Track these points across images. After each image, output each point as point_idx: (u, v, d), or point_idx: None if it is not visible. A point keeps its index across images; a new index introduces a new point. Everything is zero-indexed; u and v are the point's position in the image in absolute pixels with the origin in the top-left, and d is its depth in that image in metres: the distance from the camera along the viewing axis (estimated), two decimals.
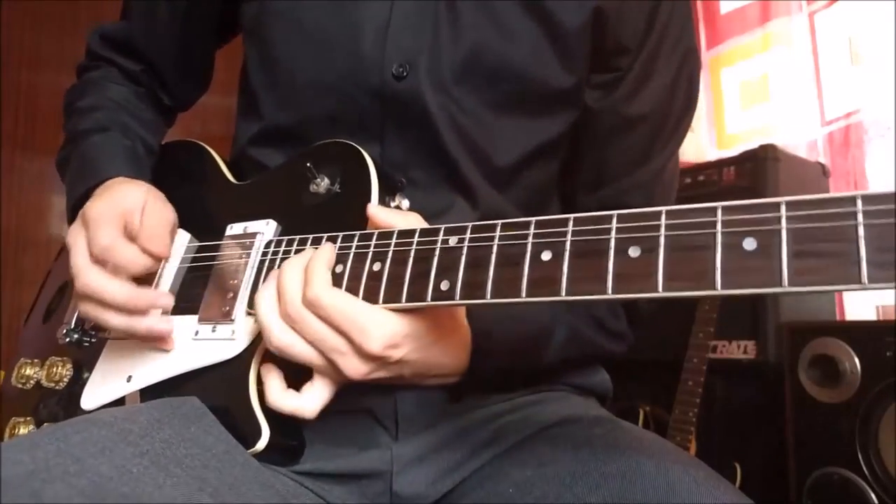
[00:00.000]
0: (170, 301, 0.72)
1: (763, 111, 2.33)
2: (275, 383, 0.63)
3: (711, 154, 2.43)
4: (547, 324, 0.73)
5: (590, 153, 0.82)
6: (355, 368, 0.59)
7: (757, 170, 1.89)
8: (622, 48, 0.77)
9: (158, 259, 0.72)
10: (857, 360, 1.55)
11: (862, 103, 2.04)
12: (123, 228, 0.70)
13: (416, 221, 0.64)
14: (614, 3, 0.75)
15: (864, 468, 1.51)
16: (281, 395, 0.62)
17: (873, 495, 1.48)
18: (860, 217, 0.41)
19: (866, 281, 0.40)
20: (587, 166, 0.83)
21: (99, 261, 0.69)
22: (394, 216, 0.64)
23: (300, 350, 0.60)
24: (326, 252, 0.62)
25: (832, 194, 0.43)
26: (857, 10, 2.06)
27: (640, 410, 1.95)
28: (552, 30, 0.75)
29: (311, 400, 0.61)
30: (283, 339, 0.60)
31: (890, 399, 1.48)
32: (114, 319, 0.69)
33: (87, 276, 0.68)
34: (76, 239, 0.71)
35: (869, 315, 1.96)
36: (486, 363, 0.67)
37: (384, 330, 0.58)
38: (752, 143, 2.01)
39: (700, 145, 2.48)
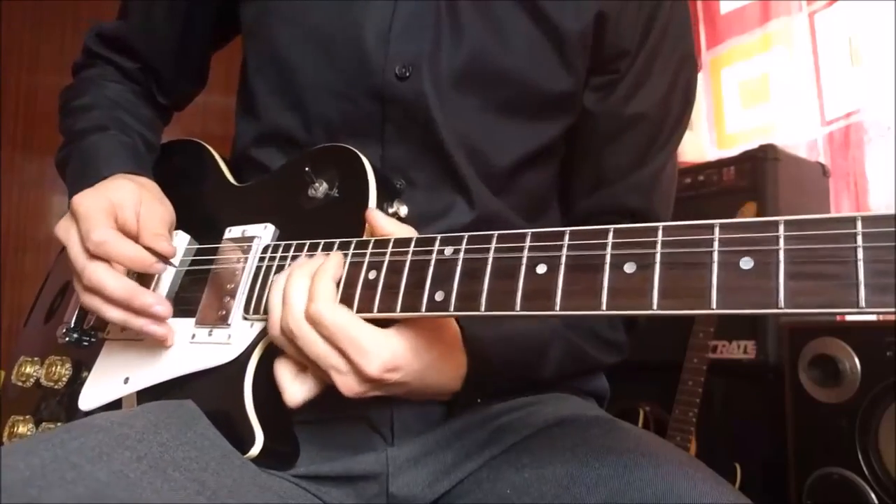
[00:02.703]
0: (166, 310, 0.70)
1: (763, 111, 2.33)
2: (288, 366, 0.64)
3: (711, 154, 2.43)
4: (543, 341, 0.72)
5: (588, 156, 0.82)
6: (350, 387, 0.59)
7: (757, 170, 1.89)
8: (622, 51, 0.77)
9: (164, 258, 0.71)
10: (857, 360, 1.55)
11: (862, 103, 2.04)
12: (115, 221, 0.70)
13: (411, 234, 0.64)
14: (615, 6, 0.75)
15: (864, 468, 1.51)
16: (285, 374, 0.63)
17: (873, 495, 1.48)
18: (860, 239, 0.41)
19: (863, 304, 0.40)
20: (585, 170, 0.83)
21: (94, 255, 0.68)
22: (391, 224, 0.64)
23: (299, 358, 0.61)
24: (332, 265, 0.61)
25: (832, 215, 0.42)
26: (857, 10, 2.06)
27: (640, 410, 1.95)
28: (552, 33, 0.74)
29: (297, 391, 0.62)
30: (286, 349, 0.62)
31: (890, 399, 1.48)
32: (113, 313, 0.69)
33: (90, 269, 0.68)
34: (68, 233, 0.71)
35: (869, 315, 1.95)
36: (481, 386, 0.67)
37: (384, 353, 0.58)
38: (752, 143, 2.01)
39: (700, 145, 2.48)
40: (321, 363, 0.59)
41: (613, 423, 0.71)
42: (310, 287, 0.60)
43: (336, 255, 0.62)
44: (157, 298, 0.70)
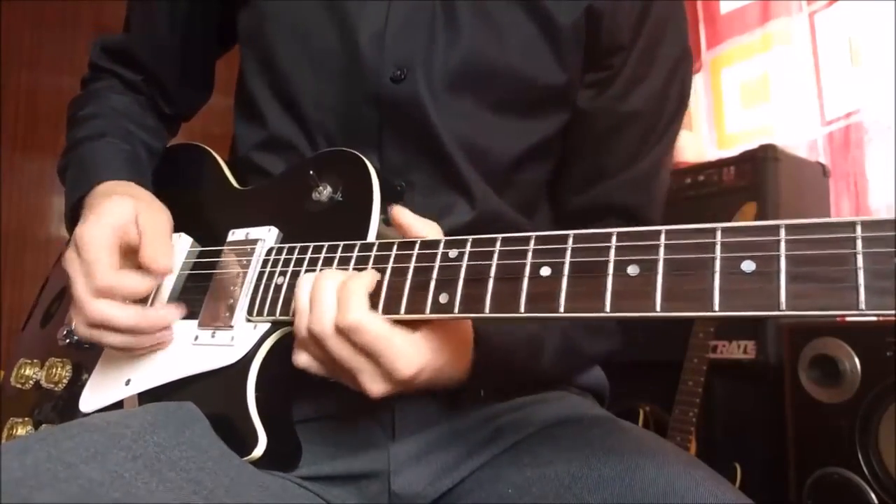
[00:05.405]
0: (178, 314, 0.70)
1: (763, 111, 2.33)
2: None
3: (711, 154, 2.43)
4: (539, 332, 0.72)
5: (582, 153, 0.82)
6: (377, 390, 0.58)
7: (757, 170, 1.89)
8: (616, 46, 0.77)
9: (164, 275, 0.70)
10: (857, 360, 1.55)
11: (862, 103, 2.04)
12: (119, 247, 0.69)
13: (436, 231, 0.63)
14: (608, 2, 0.75)
15: (864, 468, 1.51)
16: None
17: (873, 495, 1.48)
18: (859, 244, 0.42)
19: (864, 307, 0.41)
20: (579, 166, 0.83)
21: (104, 295, 0.67)
22: (420, 221, 0.63)
23: (322, 357, 0.60)
24: (369, 277, 0.60)
25: (832, 219, 0.43)
26: (857, 10, 2.06)
27: (640, 410, 1.95)
28: (548, 27, 0.74)
29: (304, 360, 0.61)
30: (308, 349, 0.60)
31: (890, 399, 1.48)
32: (119, 340, 0.68)
33: (93, 306, 0.67)
34: (73, 267, 0.69)
35: (869, 316, 1.95)
36: (486, 377, 0.66)
37: (416, 357, 0.58)
38: (752, 143, 2.01)
39: (700, 145, 2.48)
40: (348, 366, 0.58)
41: (615, 423, 0.71)
42: (341, 296, 0.58)
43: (371, 271, 0.61)
44: (166, 311, 0.70)
